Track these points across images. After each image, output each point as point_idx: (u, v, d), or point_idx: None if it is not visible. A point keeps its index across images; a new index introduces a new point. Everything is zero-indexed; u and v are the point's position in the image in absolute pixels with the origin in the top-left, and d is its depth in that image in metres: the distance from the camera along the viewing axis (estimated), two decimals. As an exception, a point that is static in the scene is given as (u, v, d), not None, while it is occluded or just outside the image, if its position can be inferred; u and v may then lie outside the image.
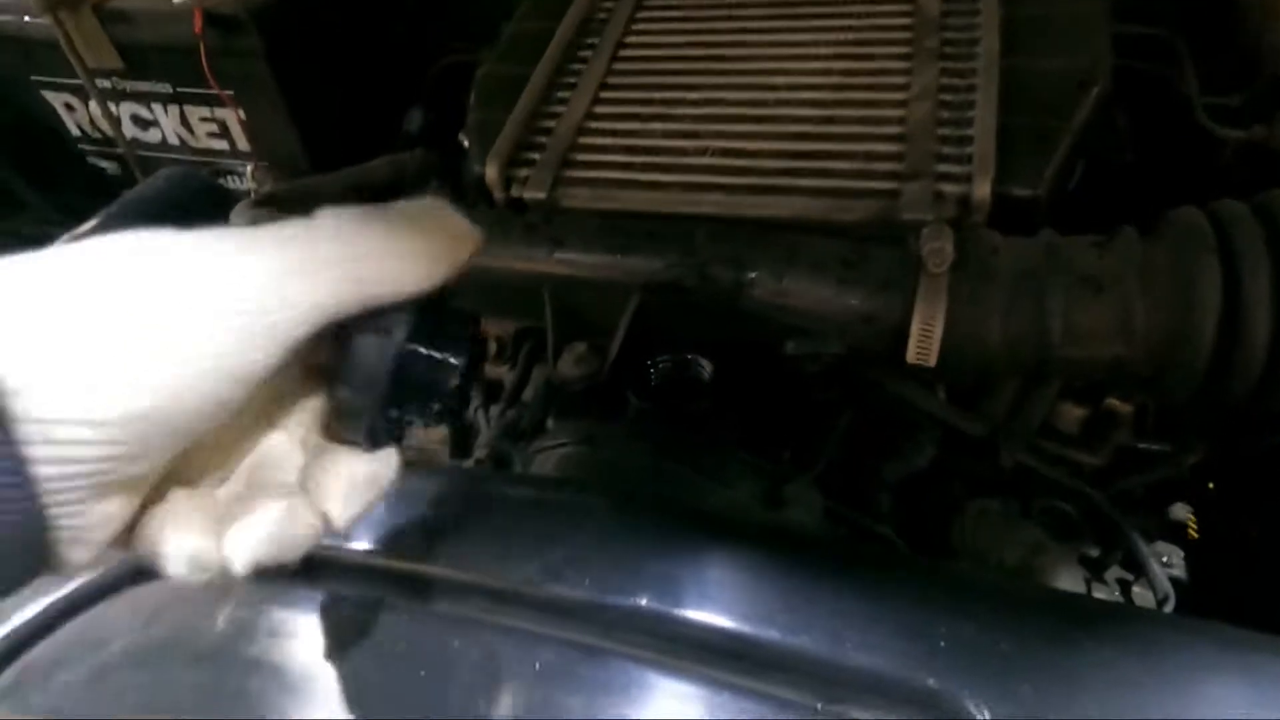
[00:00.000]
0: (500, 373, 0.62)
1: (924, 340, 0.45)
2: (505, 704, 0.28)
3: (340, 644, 0.31)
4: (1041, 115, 0.51)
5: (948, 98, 0.54)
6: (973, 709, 0.27)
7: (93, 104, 0.94)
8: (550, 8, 0.69)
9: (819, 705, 0.28)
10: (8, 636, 0.34)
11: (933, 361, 0.45)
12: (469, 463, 0.57)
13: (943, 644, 0.28)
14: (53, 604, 0.35)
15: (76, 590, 0.36)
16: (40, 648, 0.34)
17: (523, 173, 0.57)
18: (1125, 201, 0.56)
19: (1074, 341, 0.42)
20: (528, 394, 0.59)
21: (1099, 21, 0.54)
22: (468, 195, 0.60)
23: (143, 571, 0.36)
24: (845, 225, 0.50)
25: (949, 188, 0.49)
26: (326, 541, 0.36)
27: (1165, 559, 0.50)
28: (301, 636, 0.32)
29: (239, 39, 0.82)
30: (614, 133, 0.59)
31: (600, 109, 0.61)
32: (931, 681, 0.27)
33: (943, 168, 0.51)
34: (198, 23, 0.80)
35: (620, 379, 0.51)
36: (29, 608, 0.35)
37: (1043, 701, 0.26)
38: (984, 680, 0.27)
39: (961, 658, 0.28)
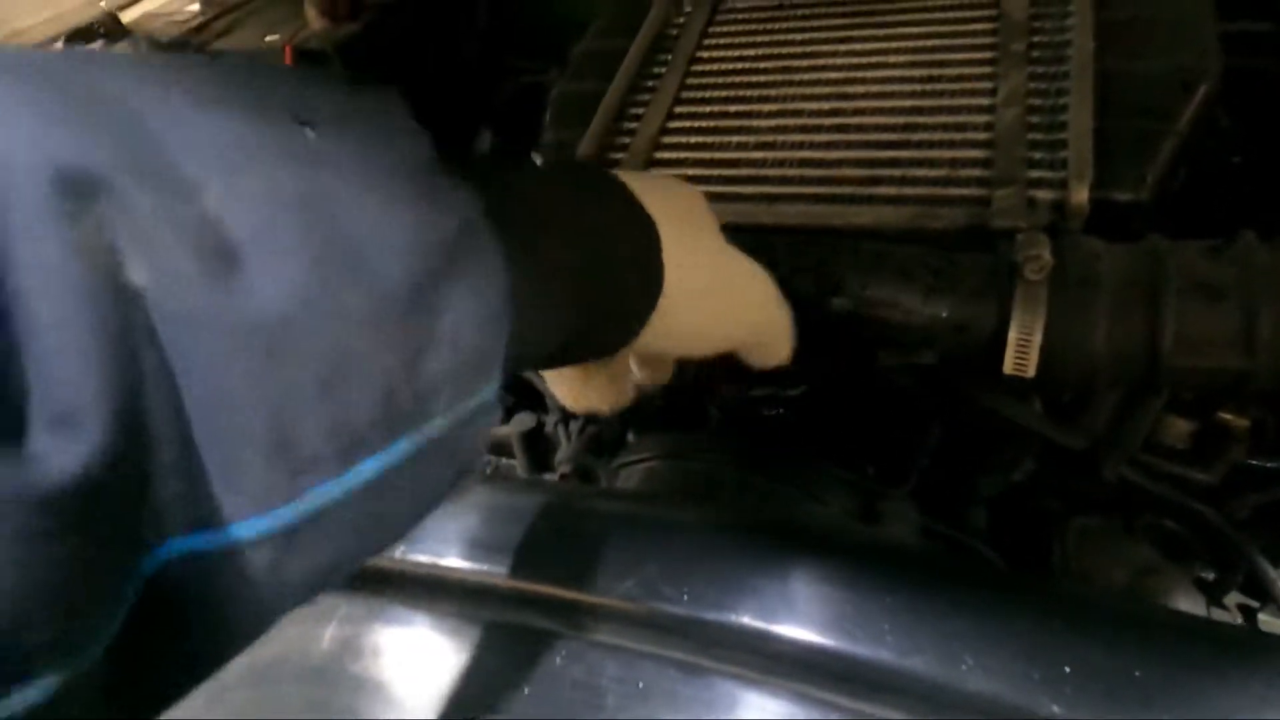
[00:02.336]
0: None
1: (1022, 350, 0.43)
2: (609, 721, 0.28)
3: (441, 661, 0.32)
4: (1143, 118, 0.49)
5: (1037, 102, 0.52)
6: (1104, 740, 0.25)
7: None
8: (622, 26, 0.70)
9: (933, 731, 0.27)
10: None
11: (1031, 372, 0.43)
12: (551, 478, 0.57)
13: (1068, 669, 0.27)
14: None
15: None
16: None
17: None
18: (1233, 206, 0.54)
19: (1188, 352, 0.40)
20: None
21: (1204, 20, 0.51)
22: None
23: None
24: (932, 234, 0.49)
25: (1042, 194, 0.48)
26: (422, 559, 0.37)
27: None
28: (404, 654, 0.32)
29: (326, 72, 0.86)
30: (690, 146, 0.59)
31: (675, 124, 0.61)
32: (1056, 709, 0.26)
33: (1035, 174, 0.49)
34: (288, 57, 0.83)
35: (700, 391, 0.51)
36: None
37: (1184, 734, 0.25)
38: (1116, 710, 0.25)
39: (1090, 685, 0.26)
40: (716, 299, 0.34)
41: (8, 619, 0.14)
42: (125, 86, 0.17)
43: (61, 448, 0.15)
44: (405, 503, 0.21)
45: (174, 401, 0.16)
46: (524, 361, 0.28)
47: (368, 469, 0.19)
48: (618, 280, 0.29)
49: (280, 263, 0.17)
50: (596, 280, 0.28)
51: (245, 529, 0.17)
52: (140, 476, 0.16)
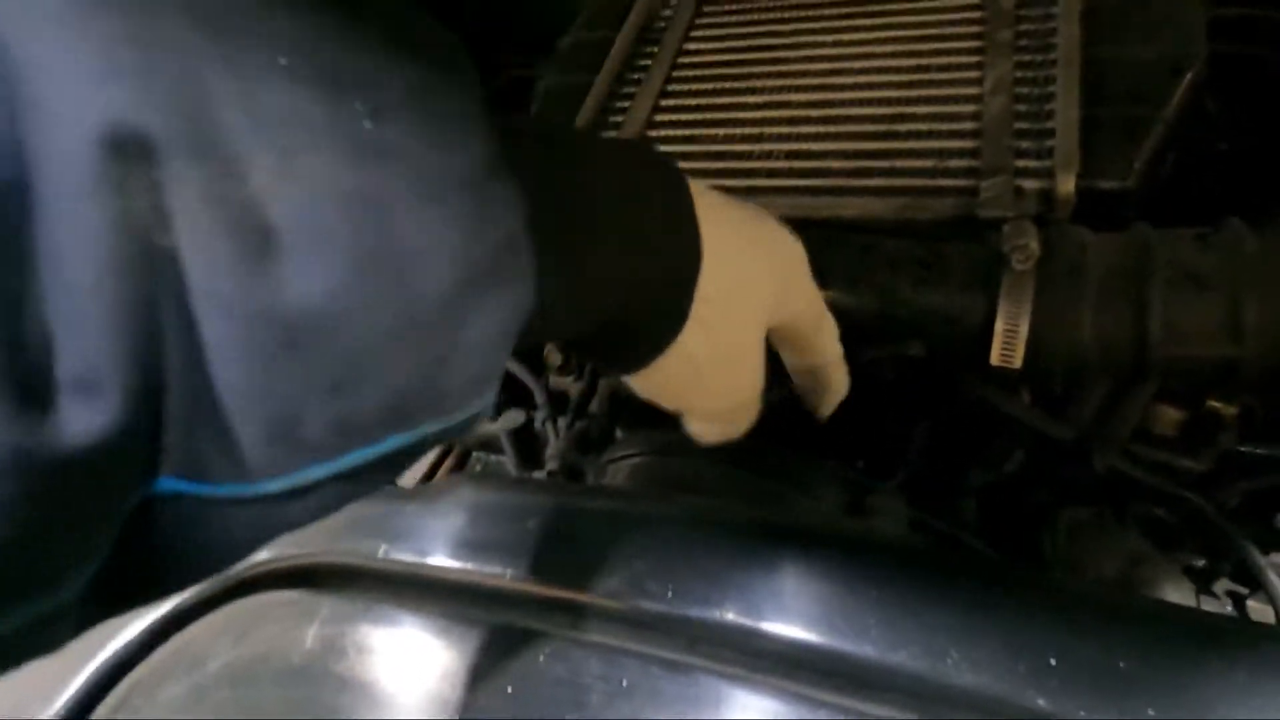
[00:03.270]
0: (565, 384, 0.62)
1: (1009, 341, 0.43)
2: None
3: (424, 660, 0.31)
4: (1129, 105, 0.49)
5: (1025, 91, 0.52)
6: (1090, 732, 0.25)
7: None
8: (609, 17, 0.69)
9: (919, 725, 0.27)
10: (115, 655, 0.35)
11: (1018, 363, 0.43)
12: (539, 475, 0.57)
13: (1053, 661, 0.26)
14: (152, 624, 0.36)
15: (171, 611, 0.36)
16: (143, 666, 0.35)
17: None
18: (1220, 192, 0.53)
19: (1175, 341, 0.40)
20: (594, 405, 0.59)
21: (1190, 6, 0.51)
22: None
23: (231, 590, 0.37)
24: (920, 225, 0.49)
25: (1030, 183, 0.48)
26: (406, 558, 0.36)
27: (1283, 572, 0.46)
28: (387, 654, 0.32)
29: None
30: (677, 139, 0.59)
31: (662, 116, 0.60)
32: (1042, 701, 0.26)
33: (1022, 163, 0.49)
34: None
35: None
36: (131, 628, 0.36)
37: (1169, 725, 0.25)
38: (1101, 701, 0.25)
39: (1075, 676, 0.26)
40: (709, 376, 0.33)
41: (10, 554, 0.14)
42: (192, 28, 0.16)
43: (80, 413, 0.15)
44: (382, 477, 0.21)
45: (190, 367, 0.16)
46: (533, 341, 0.27)
47: (358, 456, 0.19)
48: (637, 310, 0.29)
49: (318, 257, 0.17)
50: (618, 303, 0.28)
51: (232, 489, 0.18)
52: (149, 435, 0.16)
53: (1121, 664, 0.26)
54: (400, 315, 0.19)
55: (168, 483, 0.17)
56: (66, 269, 0.15)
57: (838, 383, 0.42)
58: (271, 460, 0.18)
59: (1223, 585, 0.48)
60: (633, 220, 0.28)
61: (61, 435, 0.15)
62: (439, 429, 0.21)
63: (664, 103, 0.61)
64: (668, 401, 0.35)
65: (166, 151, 0.15)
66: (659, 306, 0.30)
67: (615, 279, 0.27)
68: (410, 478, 0.61)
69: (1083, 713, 0.25)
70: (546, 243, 0.22)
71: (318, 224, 0.17)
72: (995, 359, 0.43)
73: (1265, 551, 0.50)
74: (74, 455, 0.15)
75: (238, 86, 0.16)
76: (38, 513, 0.15)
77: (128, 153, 0.15)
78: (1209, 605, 0.47)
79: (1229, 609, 0.47)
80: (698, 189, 0.31)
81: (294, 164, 0.17)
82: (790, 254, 0.37)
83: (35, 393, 0.14)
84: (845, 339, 0.47)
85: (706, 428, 0.38)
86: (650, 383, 0.33)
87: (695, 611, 0.30)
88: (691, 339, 0.31)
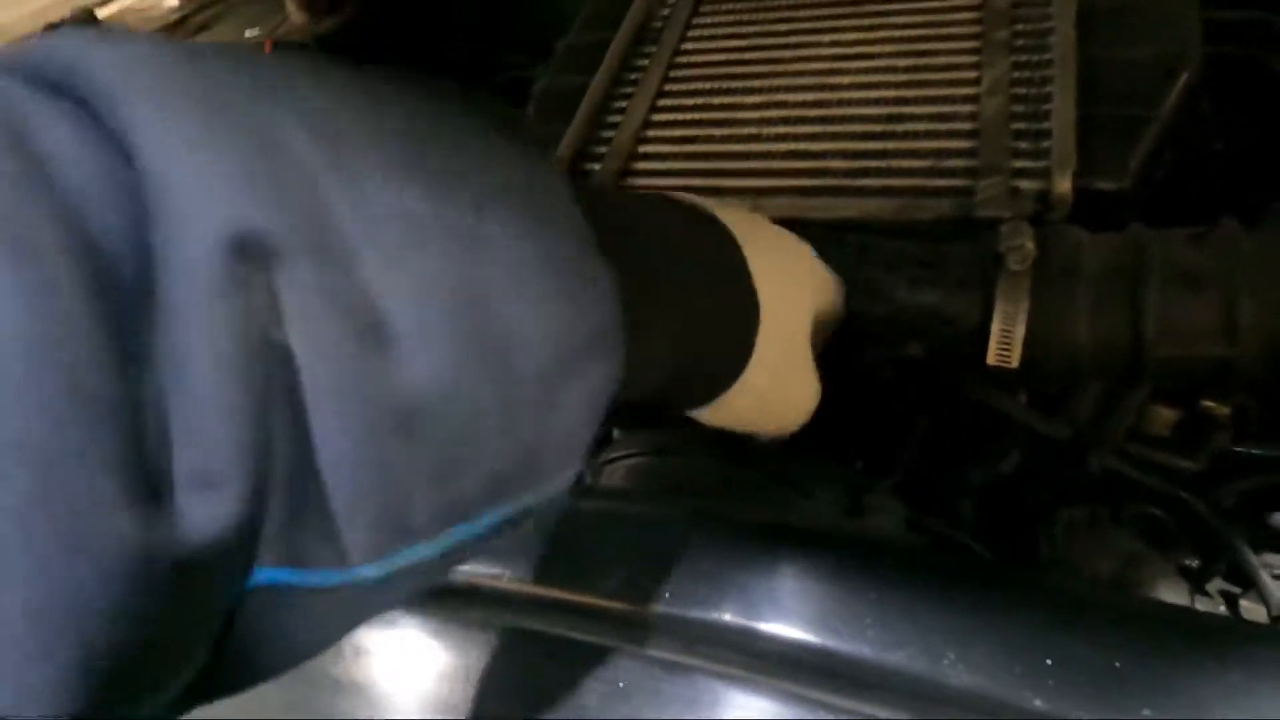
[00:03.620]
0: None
1: (1005, 341, 0.43)
2: (591, 721, 0.28)
3: (421, 661, 0.31)
4: (1125, 106, 0.49)
5: (1021, 91, 0.52)
6: (1086, 732, 0.25)
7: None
8: (606, 19, 0.69)
9: (916, 725, 0.27)
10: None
11: (1015, 363, 0.43)
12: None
13: (1049, 661, 0.27)
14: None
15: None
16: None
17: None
18: (1216, 193, 0.54)
19: (1170, 341, 0.40)
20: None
21: (1186, 6, 0.51)
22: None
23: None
24: (917, 225, 0.49)
25: (1026, 183, 0.48)
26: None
27: (1278, 572, 0.47)
28: (384, 654, 0.32)
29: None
30: (674, 139, 0.59)
31: (659, 116, 0.60)
32: (1038, 702, 0.26)
33: (1019, 163, 0.49)
34: (268, 50, 0.83)
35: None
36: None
37: (1164, 725, 0.25)
38: (1097, 701, 0.25)
39: (1071, 677, 0.26)
40: (774, 402, 0.36)
41: (120, 665, 0.15)
42: (310, 135, 0.17)
43: (201, 509, 0.15)
44: (476, 550, 0.22)
45: (299, 460, 0.17)
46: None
47: (459, 534, 0.20)
48: (706, 362, 0.31)
49: (428, 347, 0.18)
50: (689, 359, 0.30)
51: (333, 577, 0.18)
52: (257, 525, 0.17)
53: (1117, 664, 0.26)
54: (503, 397, 0.19)
55: (265, 574, 0.17)
56: (190, 368, 0.15)
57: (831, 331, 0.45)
58: (373, 546, 0.18)
59: (1216, 585, 0.48)
60: (696, 282, 0.30)
61: (184, 533, 0.15)
62: (532, 502, 0.22)
63: (661, 103, 0.61)
64: (735, 427, 0.37)
65: (283, 252, 0.16)
66: (723, 356, 0.32)
67: (685, 339, 0.29)
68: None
69: (1079, 713, 0.25)
70: (634, 319, 0.23)
71: (424, 314, 0.18)
72: (992, 359, 0.43)
73: (1259, 551, 0.50)
74: (194, 552, 0.15)
75: (347, 188, 0.17)
76: (157, 612, 0.15)
77: (250, 255, 0.16)
78: (1202, 605, 0.47)
79: (1222, 608, 0.47)
80: (740, 231, 0.33)
81: (401, 259, 0.18)
82: (811, 264, 0.40)
83: (158, 491, 0.15)
84: (842, 339, 0.47)
85: (769, 435, 0.40)
86: (717, 416, 0.35)
87: (693, 612, 0.30)
88: (754, 375, 0.33)
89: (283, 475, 0.16)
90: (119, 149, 0.16)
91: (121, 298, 0.15)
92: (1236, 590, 0.48)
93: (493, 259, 0.19)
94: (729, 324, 0.31)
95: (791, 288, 0.36)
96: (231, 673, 0.19)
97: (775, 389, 0.35)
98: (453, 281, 0.18)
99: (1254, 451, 0.51)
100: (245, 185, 0.16)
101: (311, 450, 0.17)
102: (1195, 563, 0.49)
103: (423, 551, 0.19)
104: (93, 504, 0.14)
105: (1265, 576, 0.47)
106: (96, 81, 0.16)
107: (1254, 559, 0.46)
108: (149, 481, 0.15)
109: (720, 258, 0.32)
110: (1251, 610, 0.47)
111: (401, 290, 0.17)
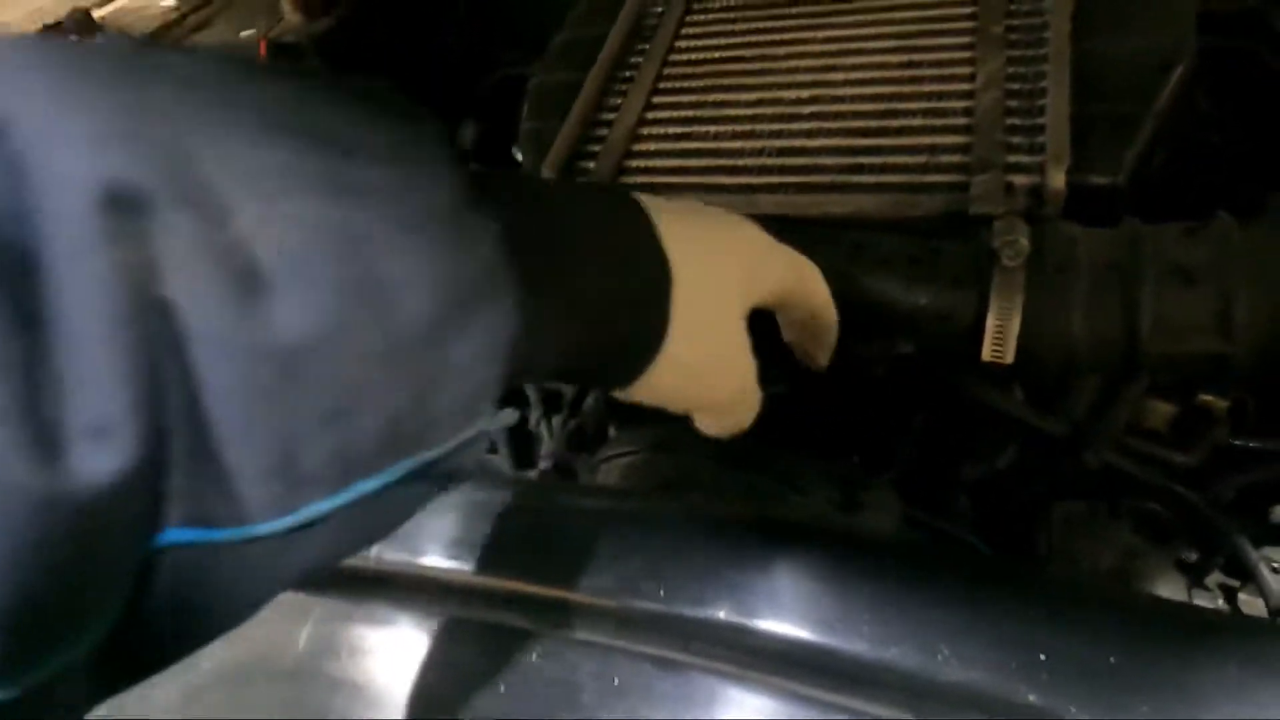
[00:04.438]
0: (558, 383, 0.62)
1: (999, 337, 0.43)
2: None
3: (418, 660, 0.31)
4: (1119, 100, 0.49)
5: (1016, 86, 0.52)
6: (1080, 727, 0.25)
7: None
8: (600, 15, 0.69)
9: (909, 719, 0.27)
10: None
11: (1009, 359, 0.43)
12: (533, 474, 0.57)
13: (1044, 656, 0.27)
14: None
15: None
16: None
17: (578, 179, 0.57)
18: (1210, 188, 0.54)
19: (1165, 336, 0.40)
20: (588, 403, 0.59)
21: (1182, 1, 0.51)
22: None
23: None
24: (911, 221, 0.49)
25: (1020, 179, 0.48)
26: (401, 558, 0.36)
27: (1277, 565, 0.46)
28: (380, 654, 0.32)
29: (302, 65, 0.84)
30: (669, 136, 0.59)
31: (654, 113, 0.60)
32: (1033, 697, 0.26)
33: (1013, 158, 0.49)
34: (262, 51, 0.82)
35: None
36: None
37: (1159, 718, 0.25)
38: (1092, 696, 0.25)
39: (1066, 671, 0.26)
40: (702, 375, 0.35)
41: (28, 613, 0.15)
42: (177, 99, 0.18)
43: (95, 459, 0.16)
44: (391, 514, 0.22)
45: (189, 410, 0.17)
46: (519, 380, 0.29)
47: (362, 488, 0.20)
48: (619, 329, 0.30)
49: (305, 292, 0.18)
50: (600, 324, 0.30)
51: (237, 533, 0.18)
52: (155, 480, 0.17)
53: (1113, 659, 0.26)
54: (387, 342, 0.19)
55: (172, 534, 0.18)
56: (74, 322, 0.15)
57: (828, 323, 0.43)
58: (272, 498, 0.18)
59: (1215, 579, 0.48)
60: (602, 245, 0.30)
61: (79, 481, 0.15)
62: (435, 455, 0.22)
63: (655, 100, 0.61)
64: (668, 405, 0.36)
65: (155, 204, 0.16)
66: (638, 323, 0.31)
67: (594, 302, 0.29)
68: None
69: (1074, 708, 0.25)
70: (524, 271, 0.23)
71: (301, 260, 0.18)
72: (987, 355, 0.43)
73: (1259, 546, 0.50)
74: (91, 499, 0.15)
75: (220, 143, 0.18)
76: (58, 558, 0.15)
77: (121, 208, 0.16)
78: (1201, 599, 0.47)
79: (1221, 603, 0.47)
80: (653, 205, 0.33)
81: (275, 207, 0.18)
82: (747, 235, 0.39)
83: (53, 441, 0.15)
84: (838, 336, 0.47)
85: (712, 422, 0.38)
86: (646, 393, 0.34)
87: (688, 610, 0.30)
88: (675, 346, 0.32)
89: (177, 424, 0.17)
90: None
91: (4, 261, 0.15)
92: (1235, 584, 0.48)
93: (366, 207, 0.19)
94: (637, 290, 0.31)
95: (715, 255, 0.35)
96: (153, 643, 0.19)
97: (702, 361, 0.34)
98: (326, 228, 0.19)
99: (1251, 445, 0.51)
100: (111, 141, 0.16)
101: (200, 399, 0.17)
102: (1193, 557, 0.49)
103: (323, 506, 0.19)
104: None
105: (1264, 571, 0.47)
106: None
107: (1253, 553, 0.46)
108: (44, 433, 0.15)
109: (624, 225, 0.32)
110: (1250, 604, 0.47)
111: (275, 237, 0.18)
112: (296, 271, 0.18)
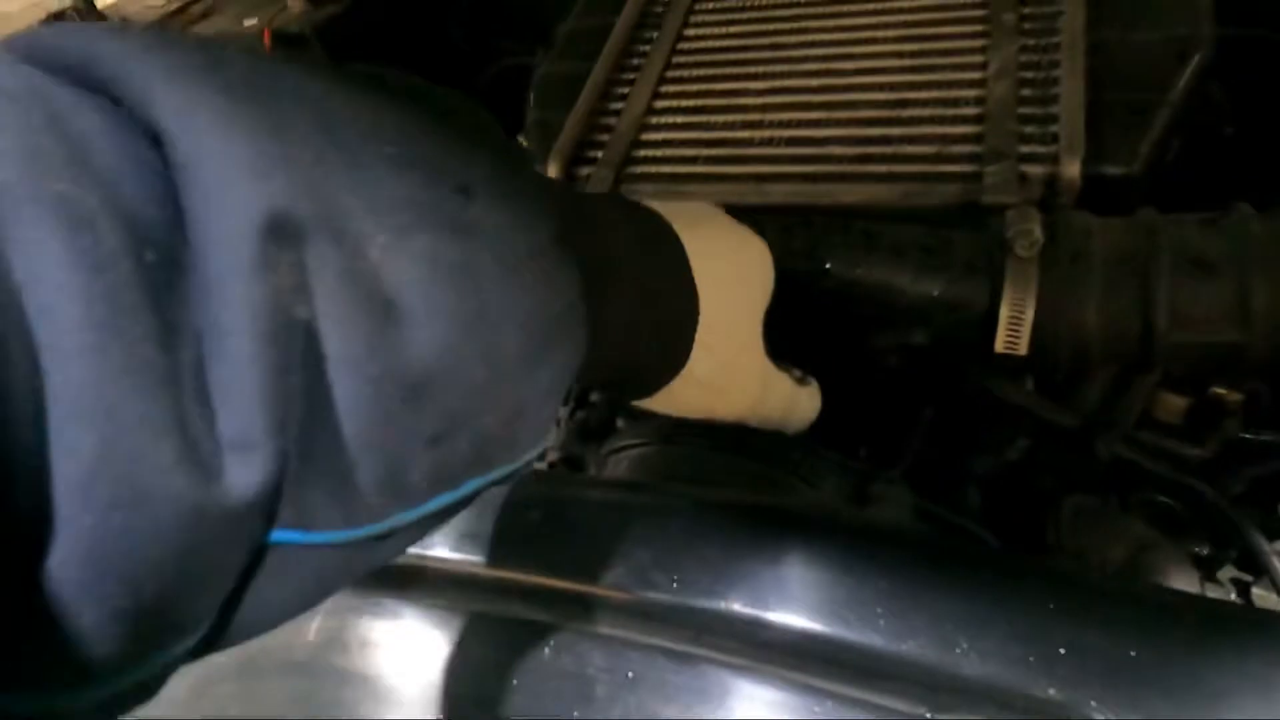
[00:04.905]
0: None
1: (1014, 328, 0.42)
2: (599, 713, 0.28)
3: (427, 654, 0.31)
4: (1135, 89, 0.48)
5: (1029, 75, 0.51)
6: (1100, 721, 0.25)
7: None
8: (607, 4, 0.68)
9: (927, 715, 0.27)
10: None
11: (1023, 350, 0.43)
12: (541, 466, 0.56)
13: (1063, 650, 0.26)
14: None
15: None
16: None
17: (584, 171, 0.57)
18: (1227, 178, 0.53)
19: (1182, 327, 0.39)
20: (595, 395, 0.59)
21: None
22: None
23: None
24: (923, 211, 0.48)
25: (1034, 169, 0.47)
26: (411, 551, 0.36)
27: (1290, 558, 0.46)
28: (391, 646, 0.32)
29: (305, 55, 0.84)
30: (677, 126, 0.58)
31: (661, 103, 0.60)
32: (1053, 691, 0.26)
33: (1026, 148, 0.48)
34: (267, 41, 0.82)
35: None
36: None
37: (1181, 713, 0.24)
38: (1113, 690, 0.25)
39: (1086, 665, 0.26)
40: (720, 388, 0.37)
41: (160, 613, 0.16)
42: (314, 126, 0.19)
43: (240, 472, 0.17)
44: (446, 519, 0.24)
45: (319, 425, 0.18)
46: None
47: (441, 501, 0.22)
48: (645, 355, 0.33)
49: (432, 323, 0.19)
50: (628, 349, 0.32)
51: (333, 536, 0.19)
52: (282, 486, 0.18)
53: (1133, 653, 0.26)
54: (490, 372, 0.21)
55: (278, 534, 0.19)
56: (228, 341, 0.16)
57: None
58: (371, 509, 0.20)
59: (1227, 573, 0.48)
60: (641, 277, 0.32)
61: (228, 493, 0.16)
62: (507, 472, 0.24)
63: (663, 89, 0.61)
64: (686, 414, 0.39)
65: (309, 233, 0.18)
66: (666, 345, 0.34)
67: (631, 328, 0.31)
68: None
69: (1094, 703, 0.25)
70: (589, 304, 0.25)
71: (427, 293, 0.19)
72: (1000, 347, 0.42)
73: (1271, 539, 0.49)
74: (234, 509, 0.17)
75: (352, 173, 0.19)
76: (198, 564, 0.16)
77: (280, 236, 0.17)
78: (1213, 592, 0.46)
79: (1234, 596, 0.47)
80: (677, 220, 0.35)
81: (407, 240, 0.19)
82: (756, 248, 0.41)
83: (205, 454, 0.16)
84: (848, 327, 0.46)
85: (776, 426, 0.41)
86: (664, 404, 0.36)
87: (701, 602, 0.30)
88: (696, 365, 0.34)
89: (308, 440, 0.18)
90: (144, 132, 0.17)
91: (156, 272, 0.16)
92: (1248, 578, 0.47)
93: (479, 245, 0.21)
94: (666, 320, 0.33)
95: (735, 276, 0.38)
96: (230, 625, 0.20)
97: (719, 377, 0.36)
98: (449, 262, 0.20)
99: (1264, 438, 0.51)
100: (273, 171, 0.17)
101: (329, 416, 0.18)
102: (1206, 550, 0.49)
103: (408, 516, 0.21)
104: (151, 466, 0.15)
105: (1277, 563, 0.46)
106: (117, 70, 0.17)
107: (1266, 546, 0.45)
108: (197, 446, 0.16)
109: (663, 257, 0.34)
110: (1263, 598, 0.47)
111: (408, 270, 0.19)
112: (424, 304, 0.19)
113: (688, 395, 0.36)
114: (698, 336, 0.34)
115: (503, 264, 0.21)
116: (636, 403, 0.37)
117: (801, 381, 0.43)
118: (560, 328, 0.23)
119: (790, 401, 0.42)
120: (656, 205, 0.36)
